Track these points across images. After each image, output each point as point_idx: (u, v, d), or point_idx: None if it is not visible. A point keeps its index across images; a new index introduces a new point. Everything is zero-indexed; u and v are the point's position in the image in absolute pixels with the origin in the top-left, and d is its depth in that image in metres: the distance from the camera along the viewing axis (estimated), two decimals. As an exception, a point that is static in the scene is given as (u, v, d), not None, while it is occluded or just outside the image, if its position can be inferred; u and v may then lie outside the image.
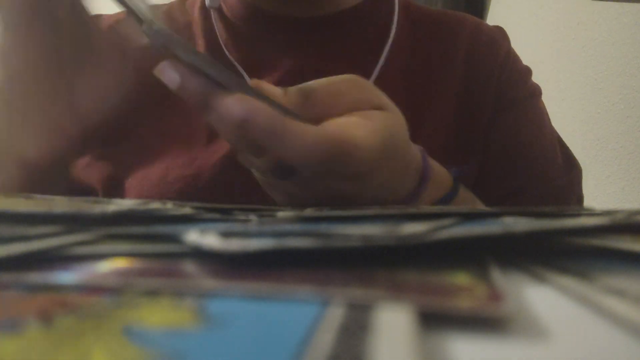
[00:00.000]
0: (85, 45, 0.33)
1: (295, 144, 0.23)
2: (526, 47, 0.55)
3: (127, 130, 0.44)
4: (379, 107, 0.28)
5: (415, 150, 0.32)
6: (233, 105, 0.23)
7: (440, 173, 0.34)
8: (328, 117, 0.26)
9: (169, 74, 0.24)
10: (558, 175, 0.47)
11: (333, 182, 0.26)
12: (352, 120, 0.26)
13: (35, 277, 0.12)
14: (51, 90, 0.32)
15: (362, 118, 0.26)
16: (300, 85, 0.27)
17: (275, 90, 0.26)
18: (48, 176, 0.35)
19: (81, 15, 0.32)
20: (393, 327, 0.09)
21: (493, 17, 1.31)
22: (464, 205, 0.35)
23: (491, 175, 0.46)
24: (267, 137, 0.23)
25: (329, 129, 0.25)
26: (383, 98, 0.28)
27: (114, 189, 0.45)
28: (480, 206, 0.39)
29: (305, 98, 0.26)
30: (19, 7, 0.29)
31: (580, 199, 0.48)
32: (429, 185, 0.32)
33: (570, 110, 1.00)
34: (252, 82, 0.26)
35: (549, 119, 0.50)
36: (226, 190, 0.42)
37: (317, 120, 0.25)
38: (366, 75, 0.46)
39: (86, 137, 0.34)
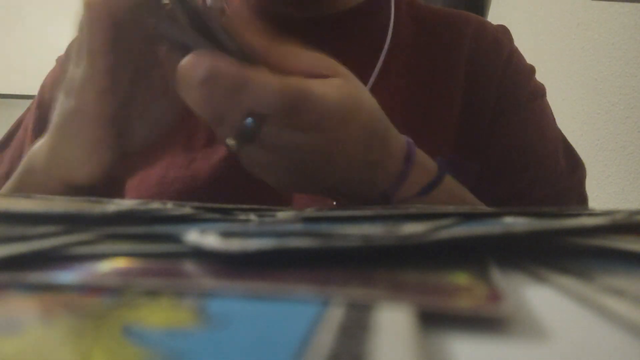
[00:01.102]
0: (146, 72, 0.33)
1: (260, 90, 0.25)
2: (526, 47, 0.55)
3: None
4: (336, 75, 0.29)
5: (399, 135, 0.33)
6: (194, 63, 0.25)
7: (426, 161, 0.35)
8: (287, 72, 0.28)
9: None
10: (561, 177, 0.47)
11: (298, 136, 0.28)
12: (310, 79, 0.28)
13: (35, 277, 0.12)
14: (112, 114, 0.31)
15: (319, 80, 0.28)
16: (275, 39, 0.28)
17: (250, 33, 0.28)
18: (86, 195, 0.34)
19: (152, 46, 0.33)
20: (393, 327, 0.09)
21: (493, 18, 1.31)
22: (448, 193, 0.35)
23: (493, 177, 0.46)
24: (233, 86, 0.25)
25: (291, 79, 0.26)
26: (340, 69, 0.30)
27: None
28: (470, 196, 0.39)
29: (272, 49, 0.28)
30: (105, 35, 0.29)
31: (583, 199, 0.48)
32: (416, 169, 0.33)
33: (570, 110, 1.00)
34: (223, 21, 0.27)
35: (553, 119, 0.50)
36: (225, 191, 0.42)
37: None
38: (366, 73, 0.46)
39: (127, 160, 0.34)
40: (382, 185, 0.32)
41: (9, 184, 0.36)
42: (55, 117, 0.32)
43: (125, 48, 0.30)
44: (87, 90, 0.29)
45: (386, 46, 0.47)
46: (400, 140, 0.33)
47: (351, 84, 0.29)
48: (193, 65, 0.25)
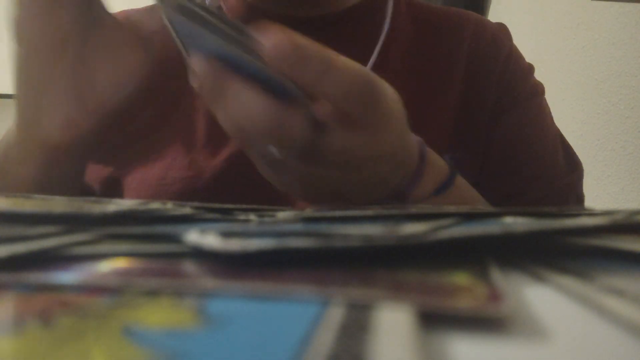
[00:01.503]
0: (104, 30, 0.33)
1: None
2: (526, 47, 0.55)
3: (131, 128, 0.44)
4: (371, 107, 0.28)
5: (412, 136, 0.32)
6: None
7: (437, 159, 0.34)
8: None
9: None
10: (559, 176, 0.47)
11: (366, 137, 0.26)
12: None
13: (35, 277, 0.12)
14: (69, 69, 0.31)
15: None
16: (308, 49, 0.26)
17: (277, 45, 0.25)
18: (67, 165, 0.34)
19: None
20: (393, 327, 0.09)
21: (493, 18, 1.31)
22: (461, 193, 0.35)
23: (492, 176, 0.46)
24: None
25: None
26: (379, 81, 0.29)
27: (114, 189, 0.45)
28: (477, 194, 0.38)
29: (303, 65, 0.25)
30: None
31: (580, 198, 0.48)
32: (429, 169, 0.32)
33: (570, 110, 1.00)
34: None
35: (551, 118, 0.50)
36: (225, 191, 0.42)
37: None
38: None
39: (101, 124, 0.33)
40: (396, 186, 0.31)
41: None
42: (13, 75, 0.32)
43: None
44: (34, 35, 0.29)
45: (380, 42, 0.47)
46: (414, 137, 0.32)
47: (380, 82, 0.28)
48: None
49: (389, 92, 0.26)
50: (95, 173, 0.45)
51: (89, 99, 0.32)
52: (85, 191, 0.45)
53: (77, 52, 0.32)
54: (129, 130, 0.44)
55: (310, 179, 0.28)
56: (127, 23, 0.34)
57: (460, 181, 0.35)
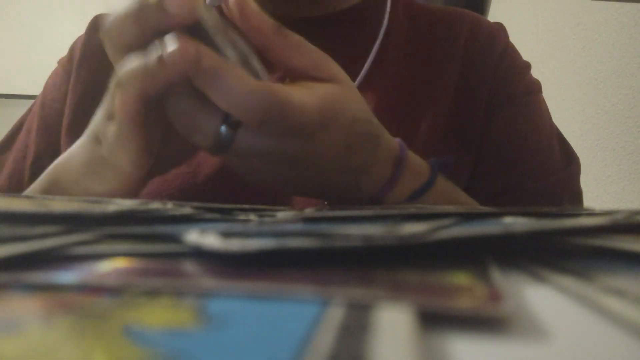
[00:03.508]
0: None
1: (235, 88, 0.25)
2: (526, 47, 0.55)
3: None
4: (332, 80, 0.29)
5: (392, 139, 0.33)
6: (184, 47, 0.25)
7: (419, 164, 0.34)
8: (283, 68, 0.29)
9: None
10: (554, 171, 0.46)
11: (274, 140, 0.28)
12: (291, 85, 0.28)
13: (35, 277, 0.12)
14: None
15: (302, 86, 0.28)
16: (287, 30, 0.29)
17: (260, 18, 0.28)
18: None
19: None
20: (393, 327, 0.09)
21: (493, 17, 1.31)
22: (441, 196, 0.35)
23: (486, 171, 0.46)
24: (211, 78, 0.25)
25: (268, 82, 0.27)
26: (340, 75, 0.30)
27: None
28: (463, 196, 0.39)
29: (282, 38, 0.28)
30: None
31: (576, 195, 0.48)
32: (406, 174, 0.33)
33: (570, 110, 1.00)
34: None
35: (548, 115, 0.50)
36: (226, 187, 0.42)
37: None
38: (357, 70, 0.46)
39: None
40: (369, 191, 0.32)
41: (32, 190, 0.36)
42: (86, 149, 0.32)
43: (155, 115, 0.30)
44: (119, 147, 0.30)
45: (378, 42, 0.48)
46: (392, 145, 0.33)
47: (341, 92, 0.29)
48: (183, 47, 0.25)
49: (313, 105, 0.27)
50: None
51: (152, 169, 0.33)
52: None
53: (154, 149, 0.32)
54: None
55: (255, 170, 0.30)
56: None
57: (442, 184, 0.35)
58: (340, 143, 0.29)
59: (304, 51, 0.29)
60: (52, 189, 0.34)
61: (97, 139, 0.32)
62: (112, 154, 0.30)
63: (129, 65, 0.27)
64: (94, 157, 0.32)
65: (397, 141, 0.34)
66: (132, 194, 0.32)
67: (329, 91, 0.28)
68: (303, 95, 0.27)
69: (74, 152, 0.33)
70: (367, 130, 0.31)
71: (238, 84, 0.25)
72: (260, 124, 0.26)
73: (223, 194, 0.42)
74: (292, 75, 0.30)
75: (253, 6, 0.28)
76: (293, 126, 0.27)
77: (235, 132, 0.27)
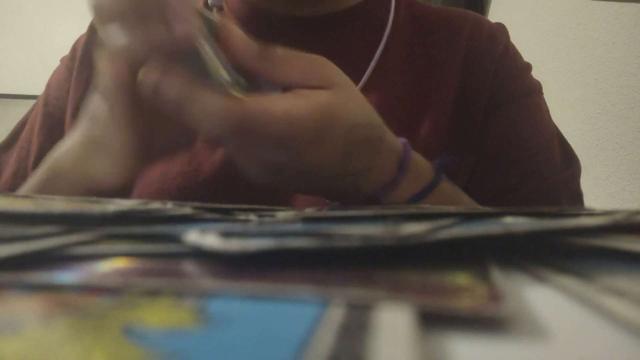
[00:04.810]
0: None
1: (201, 113, 0.26)
2: (526, 47, 0.55)
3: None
4: (327, 86, 0.29)
5: (396, 140, 0.33)
6: (148, 73, 0.26)
7: (422, 165, 0.34)
8: (278, 81, 0.29)
9: None
10: (554, 172, 0.46)
11: (259, 150, 0.28)
12: (278, 96, 0.28)
13: (35, 277, 0.12)
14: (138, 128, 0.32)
15: (294, 95, 0.28)
16: (270, 47, 0.29)
17: (243, 43, 0.28)
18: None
19: None
20: (393, 327, 0.09)
21: (493, 18, 1.31)
22: (443, 197, 0.35)
23: (486, 171, 0.46)
24: (178, 100, 0.26)
25: (241, 99, 0.27)
26: (336, 78, 0.29)
27: None
28: (465, 198, 0.39)
29: (265, 58, 0.28)
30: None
31: (577, 196, 0.48)
32: (409, 176, 0.33)
33: (570, 110, 1.00)
34: (221, 32, 0.28)
35: (549, 116, 0.50)
36: (227, 186, 0.42)
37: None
38: (361, 70, 0.46)
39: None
40: (369, 192, 0.32)
41: (29, 186, 0.36)
42: (82, 132, 0.33)
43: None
44: (110, 123, 0.30)
45: (383, 43, 0.48)
46: (395, 146, 0.33)
47: (337, 98, 0.29)
48: (145, 77, 0.26)
49: (300, 114, 0.27)
50: None
51: (143, 148, 0.33)
52: None
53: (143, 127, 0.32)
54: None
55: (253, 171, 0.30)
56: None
57: (444, 185, 0.35)
58: (337, 150, 0.29)
59: (290, 64, 0.28)
60: (51, 176, 0.34)
61: (92, 120, 0.32)
62: (104, 131, 0.30)
63: (117, 34, 0.27)
64: (89, 137, 0.32)
65: (401, 141, 0.33)
66: (130, 177, 0.32)
67: (323, 99, 0.28)
68: (290, 106, 0.27)
69: (72, 136, 0.34)
70: (367, 135, 0.31)
71: (203, 105, 0.26)
72: (237, 138, 0.27)
73: (223, 194, 0.42)
74: (287, 88, 0.29)
75: (237, 32, 0.28)
76: (277, 136, 0.27)
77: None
